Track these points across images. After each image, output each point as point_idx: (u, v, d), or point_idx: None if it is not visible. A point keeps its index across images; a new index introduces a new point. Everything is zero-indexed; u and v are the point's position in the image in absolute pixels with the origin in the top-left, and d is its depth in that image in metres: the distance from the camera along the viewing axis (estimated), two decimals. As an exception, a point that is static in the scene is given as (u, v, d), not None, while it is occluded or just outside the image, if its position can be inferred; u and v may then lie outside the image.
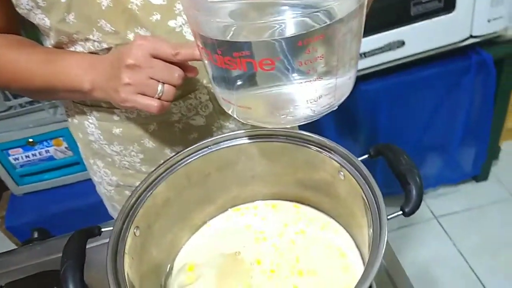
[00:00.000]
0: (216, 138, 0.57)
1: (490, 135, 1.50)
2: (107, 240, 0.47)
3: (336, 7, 0.35)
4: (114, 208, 0.81)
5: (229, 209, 0.65)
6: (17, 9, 0.56)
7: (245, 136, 0.57)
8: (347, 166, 0.50)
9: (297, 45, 0.35)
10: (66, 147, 1.49)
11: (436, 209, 1.65)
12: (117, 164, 0.72)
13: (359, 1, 0.37)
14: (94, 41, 0.57)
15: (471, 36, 1.23)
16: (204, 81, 0.63)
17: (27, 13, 0.56)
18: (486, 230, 1.56)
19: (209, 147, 0.57)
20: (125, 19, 0.55)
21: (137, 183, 0.72)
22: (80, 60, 0.57)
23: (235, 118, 0.47)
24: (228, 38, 0.36)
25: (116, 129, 0.66)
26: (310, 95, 0.40)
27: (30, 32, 0.64)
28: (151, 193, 0.53)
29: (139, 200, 0.52)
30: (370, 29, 1.17)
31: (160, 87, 0.51)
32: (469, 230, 1.57)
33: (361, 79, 1.27)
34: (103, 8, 0.54)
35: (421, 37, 1.21)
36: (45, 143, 1.47)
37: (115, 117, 0.65)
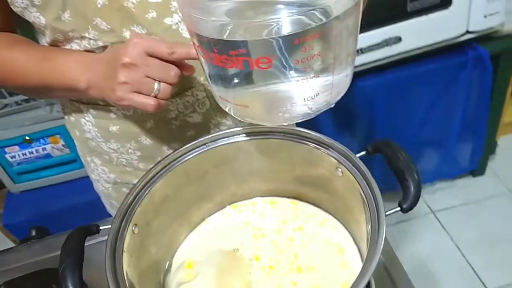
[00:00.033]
0: (214, 136, 0.57)
1: (487, 130, 1.51)
2: (105, 238, 0.47)
3: (332, 5, 0.35)
4: (112, 205, 0.81)
5: (228, 206, 0.65)
6: (12, 7, 0.56)
7: (243, 133, 0.57)
8: (345, 163, 0.50)
9: (293, 43, 0.35)
10: (63, 145, 1.49)
11: (434, 204, 1.66)
12: (115, 162, 0.72)
13: (355, -1, 0.37)
14: (90, 39, 0.57)
15: (468, 32, 1.24)
16: (201, 79, 0.63)
17: (22, 11, 0.56)
18: (483, 224, 1.56)
19: (207, 145, 0.57)
20: (121, 17, 0.55)
21: (135, 181, 0.72)
22: (76, 58, 0.57)
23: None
24: (224, 37, 0.36)
25: (113, 126, 0.66)
26: (307, 93, 0.40)
27: (26, 30, 0.64)
28: (149, 190, 0.53)
29: (137, 198, 0.52)
30: (367, 25, 1.17)
31: (156, 85, 0.51)
32: (466, 225, 1.58)
33: (358, 75, 1.28)
34: (99, 6, 0.54)
35: (417, 33, 1.21)
36: (41, 140, 1.47)
37: (112, 115, 0.65)
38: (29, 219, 1.48)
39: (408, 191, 0.46)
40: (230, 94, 0.43)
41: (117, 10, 0.55)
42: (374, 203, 0.45)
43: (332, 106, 0.44)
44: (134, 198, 0.52)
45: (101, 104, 0.65)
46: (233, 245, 0.59)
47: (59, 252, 0.45)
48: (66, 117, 0.73)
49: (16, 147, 1.47)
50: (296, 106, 0.41)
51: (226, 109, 0.46)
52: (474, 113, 1.44)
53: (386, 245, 0.60)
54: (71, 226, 0.54)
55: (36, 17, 0.56)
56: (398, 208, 0.46)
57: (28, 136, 1.44)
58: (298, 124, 0.58)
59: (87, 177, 0.83)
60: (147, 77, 0.50)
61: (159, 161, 0.55)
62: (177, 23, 0.58)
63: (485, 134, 1.52)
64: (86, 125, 0.68)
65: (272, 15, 0.34)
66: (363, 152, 0.54)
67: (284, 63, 0.36)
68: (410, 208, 0.46)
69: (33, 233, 0.84)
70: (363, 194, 0.47)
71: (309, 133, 0.54)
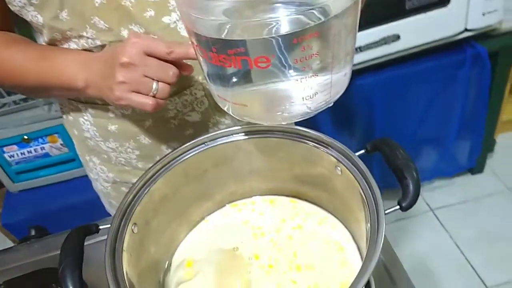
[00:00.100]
0: (213, 134, 0.57)
1: (485, 128, 1.51)
2: (105, 237, 0.47)
3: (331, 4, 0.34)
4: (111, 204, 0.81)
5: (227, 205, 0.65)
6: (9, 6, 0.56)
7: (242, 132, 0.57)
8: (344, 162, 0.50)
9: (292, 42, 0.35)
10: (61, 144, 1.48)
11: (432, 201, 1.67)
12: (113, 161, 0.71)
13: (354, -2, 0.37)
14: (88, 38, 0.57)
15: (466, 30, 1.24)
16: (200, 77, 0.63)
17: (19, 10, 0.56)
18: (482, 222, 1.57)
19: (206, 144, 0.57)
20: (119, 15, 0.55)
21: (134, 180, 0.72)
22: (74, 57, 0.57)
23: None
24: (222, 36, 0.36)
25: (111, 125, 0.66)
26: (306, 92, 0.39)
27: (23, 29, 0.63)
28: (149, 190, 0.53)
29: (136, 197, 0.52)
30: (365, 23, 1.17)
31: (154, 85, 0.51)
32: (465, 222, 1.58)
33: (357, 74, 1.28)
34: (97, 4, 0.54)
35: (416, 31, 1.21)
36: (40, 140, 1.47)
37: (110, 114, 0.65)
38: (27, 219, 1.48)
39: (407, 189, 0.47)
40: (228, 93, 0.43)
41: (115, 9, 0.55)
42: (373, 202, 0.45)
43: (331, 105, 0.44)
44: (134, 197, 0.52)
45: (100, 103, 0.64)
46: (233, 244, 0.59)
47: (58, 252, 0.45)
48: (64, 116, 0.72)
49: (15, 147, 1.47)
50: (295, 105, 0.41)
51: (225, 108, 0.46)
52: (473, 111, 1.44)
53: (385, 243, 0.60)
54: (70, 226, 0.54)
55: (33, 16, 0.56)
56: (398, 207, 0.46)
57: (26, 136, 1.44)
58: (297, 123, 0.58)
59: (86, 176, 0.82)
60: (145, 76, 0.50)
61: (158, 160, 0.55)
62: (175, 22, 0.57)
63: (484, 132, 1.52)
64: (84, 124, 0.68)
65: (270, 14, 0.34)
66: (362, 151, 0.54)
67: (283, 62, 0.36)
68: (410, 206, 0.46)
69: (32, 232, 0.84)
70: (362, 193, 0.47)
71: (308, 132, 0.54)
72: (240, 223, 0.63)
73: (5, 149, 1.47)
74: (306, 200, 0.63)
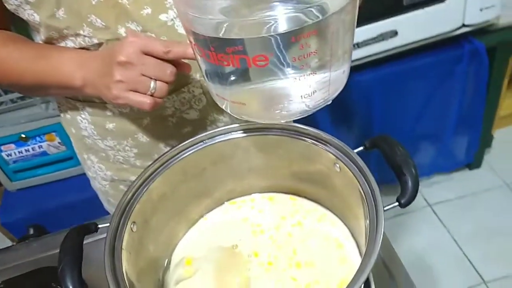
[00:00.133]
0: (211, 132, 0.57)
1: (483, 124, 1.51)
2: (104, 236, 0.47)
3: (328, 2, 0.34)
4: (109, 202, 0.81)
5: (226, 203, 0.65)
6: (6, 4, 0.55)
7: (240, 130, 0.57)
8: (343, 159, 0.50)
9: (290, 41, 0.35)
10: (59, 142, 1.48)
11: (430, 197, 1.67)
12: (111, 159, 0.71)
13: (352, -5, 0.36)
14: (85, 36, 0.57)
15: (464, 25, 1.24)
16: (197, 75, 0.63)
17: (15, 9, 0.56)
18: (479, 217, 1.57)
19: (204, 141, 0.57)
20: (116, 13, 0.55)
21: (132, 178, 0.72)
22: (72, 56, 0.57)
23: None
24: (220, 35, 0.36)
25: (109, 124, 0.66)
26: (304, 90, 0.39)
27: (20, 27, 0.63)
28: (147, 188, 0.53)
29: (135, 196, 0.52)
30: (363, 19, 1.17)
31: (152, 84, 0.51)
32: (463, 218, 1.59)
33: (354, 70, 1.28)
34: (93, 3, 0.54)
35: (413, 26, 1.21)
36: (37, 138, 1.46)
37: (108, 112, 0.65)
38: (26, 217, 1.48)
39: (406, 186, 0.47)
40: (227, 92, 0.43)
41: (112, 7, 0.54)
42: (372, 199, 0.45)
43: (329, 103, 0.44)
44: (132, 196, 0.52)
45: (97, 102, 0.64)
46: (232, 242, 0.59)
47: (57, 251, 0.45)
48: (62, 114, 0.72)
49: (12, 145, 1.46)
50: (293, 103, 0.41)
51: (223, 107, 0.46)
52: (470, 106, 1.44)
53: (384, 239, 0.60)
54: (68, 224, 0.54)
55: (30, 14, 0.56)
56: (396, 203, 0.46)
57: (24, 134, 1.44)
58: (295, 120, 0.58)
59: (84, 174, 0.82)
60: (143, 75, 0.50)
61: (157, 159, 0.55)
62: (172, 19, 0.57)
63: (481, 127, 1.52)
64: (82, 122, 0.68)
65: (268, 13, 0.34)
66: (361, 148, 0.54)
67: (281, 60, 0.36)
68: (408, 203, 0.46)
69: (31, 231, 0.84)
70: (361, 190, 0.47)
71: (306, 129, 0.54)
72: (239, 220, 0.63)
73: (2, 147, 1.46)
74: (305, 197, 0.64)
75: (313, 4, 0.34)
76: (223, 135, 0.57)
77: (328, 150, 0.52)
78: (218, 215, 0.64)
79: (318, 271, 0.54)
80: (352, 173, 0.49)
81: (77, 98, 0.66)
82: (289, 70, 0.37)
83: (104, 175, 0.75)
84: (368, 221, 0.44)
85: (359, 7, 0.40)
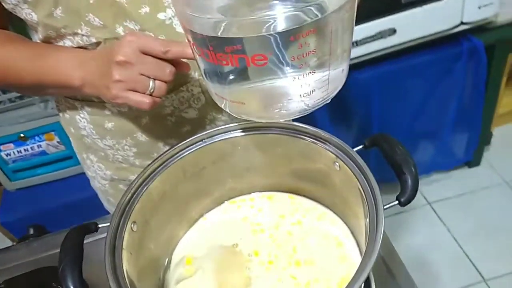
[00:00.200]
0: (211, 131, 0.57)
1: (482, 121, 1.51)
2: (104, 235, 0.47)
3: (327, 0, 0.34)
4: (109, 202, 0.81)
5: (225, 202, 0.65)
6: (3, 4, 0.55)
7: (240, 129, 0.57)
8: (343, 157, 0.50)
9: (289, 40, 0.35)
10: (58, 142, 1.48)
11: (430, 195, 1.67)
12: (111, 158, 0.71)
13: (351, -6, 0.36)
14: (83, 35, 0.57)
15: (462, 23, 1.24)
16: (196, 74, 0.63)
17: (13, 8, 0.55)
18: (479, 215, 1.58)
19: (204, 141, 0.57)
20: (114, 12, 0.55)
21: (132, 177, 0.72)
22: (70, 56, 0.56)
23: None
24: (219, 34, 0.36)
25: (108, 123, 0.66)
26: (304, 89, 0.39)
27: (18, 26, 0.63)
28: (147, 188, 0.53)
29: (135, 195, 0.52)
30: (362, 17, 1.17)
31: (151, 83, 0.51)
32: (462, 216, 1.59)
33: (353, 68, 1.27)
34: (91, 1, 0.53)
35: (412, 24, 1.21)
36: (36, 137, 1.46)
37: (107, 111, 0.65)
38: (26, 217, 1.48)
39: (406, 184, 0.47)
40: (226, 91, 0.43)
41: (110, 5, 0.54)
42: (372, 197, 0.45)
43: (328, 101, 0.44)
44: (132, 195, 0.52)
45: (96, 101, 0.64)
46: (232, 241, 0.59)
47: (58, 250, 0.45)
48: (60, 114, 0.72)
49: (11, 145, 1.46)
50: (293, 102, 0.41)
51: (222, 106, 0.46)
52: (469, 104, 1.44)
53: (384, 237, 0.61)
54: (68, 223, 0.54)
55: (27, 13, 0.55)
56: (396, 202, 0.46)
57: (23, 134, 1.44)
58: (294, 119, 0.58)
59: (84, 174, 0.82)
60: (142, 75, 0.50)
61: (156, 158, 0.55)
62: (170, 18, 0.57)
63: (480, 125, 1.53)
64: (81, 122, 0.68)
65: (267, 12, 0.34)
66: (360, 146, 0.54)
67: (280, 59, 0.36)
68: (408, 201, 0.46)
69: (31, 231, 0.84)
70: (361, 188, 0.47)
71: (306, 128, 0.54)
72: (239, 219, 0.63)
73: (1, 147, 1.46)
74: (304, 195, 0.64)
75: (312, 3, 0.34)
76: (222, 134, 0.57)
77: (328, 148, 0.52)
78: (218, 215, 0.64)
79: (318, 270, 0.54)
80: (352, 171, 0.49)
81: (75, 97, 0.66)
82: (288, 69, 0.37)
83: (103, 175, 0.75)
84: (368, 220, 0.44)
85: (358, 6, 0.40)
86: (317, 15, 0.34)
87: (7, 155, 1.48)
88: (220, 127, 0.57)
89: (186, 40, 0.43)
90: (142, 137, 0.67)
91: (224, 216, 0.64)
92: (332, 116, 1.38)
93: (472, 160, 1.69)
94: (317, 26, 0.35)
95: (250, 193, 0.66)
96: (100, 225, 0.50)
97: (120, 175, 0.73)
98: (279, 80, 0.39)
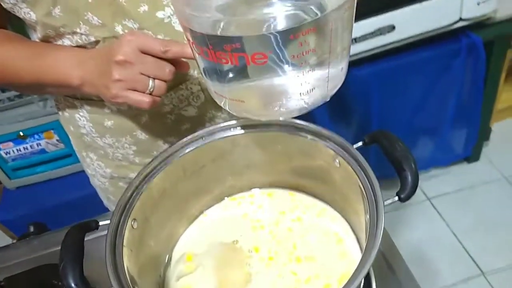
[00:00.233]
0: (210, 129, 0.57)
1: (481, 117, 1.52)
2: (104, 232, 0.47)
3: (327, -2, 0.34)
4: (109, 200, 0.81)
5: (226, 199, 0.65)
6: (1, 3, 0.55)
7: (239, 126, 0.57)
8: (343, 154, 0.51)
9: (288, 38, 0.34)
10: (57, 140, 1.48)
11: (429, 190, 1.68)
12: (110, 156, 0.71)
13: (350, -8, 0.36)
14: (82, 34, 0.57)
15: (461, 19, 1.23)
16: (195, 72, 0.63)
17: (12, 7, 0.55)
18: (478, 210, 1.58)
19: (204, 138, 0.57)
20: (112, 11, 0.55)
21: (131, 175, 0.72)
22: (69, 55, 0.56)
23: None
24: (218, 33, 0.36)
25: (107, 121, 0.66)
26: (303, 87, 0.39)
27: (17, 26, 0.63)
28: (147, 185, 0.53)
29: (135, 193, 0.52)
30: (361, 14, 1.16)
31: (151, 82, 0.51)
32: (461, 211, 1.59)
33: (352, 65, 1.27)
34: (90, 0, 0.53)
35: (411, 21, 1.21)
36: (36, 136, 1.46)
37: (106, 110, 0.65)
38: (26, 215, 1.48)
39: (406, 181, 0.47)
40: (225, 89, 0.43)
41: (108, 4, 0.54)
42: (372, 194, 0.45)
43: (328, 100, 0.44)
44: (132, 193, 0.52)
45: (95, 99, 0.64)
46: (232, 237, 0.60)
47: (58, 248, 0.45)
48: (60, 112, 0.72)
49: (11, 143, 1.46)
50: (292, 100, 0.41)
51: (222, 104, 0.46)
52: (468, 100, 1.44)
53: (384, 233, 0.61)
54: (68, 221, 0.54)
55: (26, 13, 0.55)
56: (396, 198, 0.47)
57: (22, 132, 1.44)
58: (294, 117, 0.58)
59: (83, 171, 0.82)
60: (142, 74, 0.50)
61: (156, 156, 0.55)
62: (169, 17, 0.57)
63: (479, 120, 1.53)
64: (80, 120, 0.68)
65: (266, 10, 0.34)
66: (360, 143, 0.54)
67: (280, 58, 0.36)
68: (408, 197, 0.46)
69: (31, 229, 0.84)
70: (361, 185, 0.47)
71: (306, 125, 0.54)
72: (239, 216, 0.63)
73: (1, 146, 1.46)
74: (304, 192, 0.64)
75: (312, 1, 0.34)
76: (222, 132, 0.57)
77: (328, 145, 0.52)
78: (218, 211, 0.64)
79: (318, 266, 0.54)
80: (352, 168, 0.49)
81: (75, 96, 0.66)
82: (287, 68, 0.37)
83: (103, 173, 0.75)
84: (368, 216, 0.44)
85: (357, 3, 0.40)
86: (316, 14, 0.34)
87: (6, 153, 1.48)
88: (219, 125, 0.57)
89: (185, 39, 0.43)
90: (141, 135, 0.67)
91: (224, 213, 0.64)
92: (332, 113, 1.39)
93: (471, 155, 1.70)
94: (317, 25, 0.35)
95: (250, 189, 0.66)
96: (100, 223, 0.50)
97: (120, 173, 0.74)
98: (279, 78, 0.39)
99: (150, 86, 0.51)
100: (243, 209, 0.64)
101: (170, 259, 0.60)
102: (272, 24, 0.34)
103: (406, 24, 1.21)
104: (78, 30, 0.56)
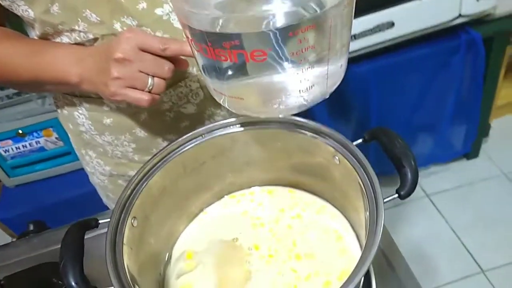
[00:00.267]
0: (210, 126, 0.57)
1: (480, 113, 1.52)
2: (104, 230, 0.47)
3: (326, -5, 0.34)
4: (108, 197, 0.81)
5: (225, 196, 0.65)
6: (-1, 1, 0.55)
7: (239, 124, 0.57)
8: (342, 151, 0.50)
9: (288, 35, 0.34)
10: (56, 138, 1.48)
11: (428, 187, 1.68)
12: (110, 154, 0.71)
13: (350, -12, 0.36)
14: (80, 31, 0.56)
15: (460, 16, 1.23)
16: (194, 69, 0.63)
17: (9, 5, 0.55)
18: (477, 207, 1.58)
19: (203, 136, 0.57)
20: (111, 8, 0.55)
21: (131, 173, 0.72)
22: (67, 52, 0.56)
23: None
24: (217, 30, 0.36)
25: (106, 119, 0.66)
26: (303, 84, 0.39)
27: (14, 23, 0.63)
28: (147, 183, 0.53)
29: (135, 191, 0.52)
30: (360, 10, 1.16)
31: (150, 80, 0.51)
32: (460, 207, 1.59)
33: (351, 62, 1.27)
34: None
35: (410, 17, 1.20)
36: (35, 134, 1.46)
37: (105, 107, 0.65)
38: (25, 213, 1.48)
39: (406, 178, 0.47)
40: (224, 87, 0.43)
41: (107, 1, 0.54)
42: (371, 191, 0.45)
43: (327, 97, 0.44)
44: (132, 191, 0.52)
45: (94, 97, 0.64)
46: (232, 235, 0.60)
47: (58, 246, 0.45)
48: (59, 110, 0.72)
49: (9, 141, 1.46)
50: (291, 97, 0.41)
51: (221, 102, 0.46)
52: (468, 96, 1.44)
53: (384, 231, 0.61)
54: (68, 219, 0.54)
55: (24, 10, 0.55)
56: (396, 195, 0.47)
57: (21, 130, 1.43)
58: (293, 114, 0.58)
59: (82, 169, 0.82)
60: (141, 72, 0.50)
61: (156, 154, 0.55)
62: (168, 14, 0.57)
63: (479, 117, 1.53)
64: (79, 118, 0.68)
65: (265, 7, 0.34)
66: (360, 140, 0.54)
67: (280, 55, 0.36)
68: (408, 194, 0.46)
69: (31, 227, 0.84)
70: (360, 182, 0.47)
71: (305, 122, 0.54)
72: (239, 214, 0.63)
73: (0, 143, 1.46)
74: (304, 189, 0.64)
75: (311, -2, 0.34)
76: (222, 129, 0.57)
77: (327, 142, 0.52)
78: (218, 209, 0.64)
79: (318, 263, 0.54)
80: (352, 165, 0.49)
81: (73, 93, 0.66)
82: (287, 65, 0.37)
83: (102, 170, 0.75)
84: (368, 213, 0.44)
85: (356, 0, 0.40)
86: (316, 11, 0.34)
87: (5, 151, 1.48)
88: (219, 122, 0.57)
89: (184, 36, 0.42)
90: (141, 132, 0.67)
91: (224, 211, 0.64)
92: (331, 110, 1.38)
93: (470, 152, 1.70)
94: (316, 22, 0.35)
95: (250, 187, 0.66)
96: (100, 221, 0.50)
97: (119, 171, 0.74)
98: (278, 75, 0.39)
99: (149, 84, 0.51)
100: (243, 206, 0.64)
101: (170, 257, 0.60)
102: (271, 21, 0.34)
103: (405, 20, 1.20)
104: (76, 28, 0.56)
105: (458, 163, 1.73)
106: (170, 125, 0.67)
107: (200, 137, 0.57)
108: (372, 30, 1.20)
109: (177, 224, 0.62)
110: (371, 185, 0.46)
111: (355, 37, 1.20)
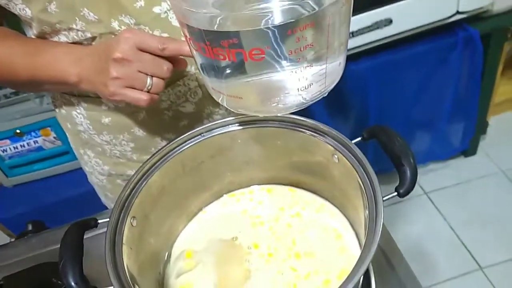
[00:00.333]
0: (209, 125, 0.57)
1: (478, 110, 1.52)
2: (103, 230, 0.47)
3: (324, -7, 0.34)
4: (107, 197, 0.81)
5: (225, 195, 0.65)
6: (-4, 0, 0.55)
7: (238, 122, 0.57)
8: (341, 150, 0.50)
9: (286, 33, 0.34)
10: (54, 137, 1.48)
11: (426, 185, 1.68)
12: (108, 154, 0.71)
13: (348, -14, 0.36)
14: (78, 30, 0.56)
15: (458, 12, 1.23)
16: (192, 68, 0.63)
17: (7, 4, 0.55)
18: (475, 204, 1.59)
19: (202, 135, 0.57)
20: (109, 6, 0.54)
21: (129, 172, 0.72)
22: (66, 52, 0.56)
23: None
24: (215, 28, 0.36)
25: (105, 118, 0.65)
26: (301, 83, 0.39)
27: (12, 22, 0.62)
28: (146, 182, 0.53)
29: (134, 190, 0.52)
30: (358, 8, 1.16)
31: (149, 80, 0.51)
32: (458, 205, 1.60)
33: (350, 59, 1.27)
34: None
35: (408, 14, 1.20)
36: (33, 133, 1.46)
37: (104, 107, 0.64)
38: (24, 213, 1.48)
39: (405, 176, 0.47)
40: (223, 86, 0.43)
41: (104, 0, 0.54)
42: (371, 189, 0.45)
43: (326, 95, 0.44)
44: (131, 190, 0.52)
45: (92, 96, 0.64)
46: (232, 234, 0.60)
47: (57, 246, 0.45)
48: (57, 110, 0.72)
49: (7, 141, 1.46)
50: (290, 96, 0.41)
51: (219, 101, 0.46)
52: (465, 93, 1.44)
53: (383, 229, 0.61)
54: (66, 219, 0.54)
55: (21, 9, 0.55)
56: (395, 193, 0.47)
57: (19, 129, 1.43)
58: (292, 112, 0.58)
59: (81, 169, 0.82)
60: (140, 72, 0.50)
61: (155, 153, 0.54)
62: (166, 12, 0.57)
63: (476, 114, 1.53)
64: (77, 117, 0.68)
65: (263, 5, 0.34)
66: (359, 138, 0.54)
67: (278, 53, 0.36)
68: (407, 192, 0.46)
69: (30, 227, 0.84)
70: (360, 180, 0.47)
71: (304, 121, 0.54)
72: (239, 213, 0.63)
73: (-3, 143, 1.46)
74: (304, 188, 0.64)
75: (309, -4, 0.34)
76: (220, 128, 0.57)
77: (326, 141, 0.52)
78: (217, 208, 0.64)
79: (317, 262, 0.54)
80: (351, 163, 0.49)
81: (72, 93, 0.65)
82: (285, 63, 0.37)
83: (101, 170, 0.75)
84: (367, 212, 0.44)
85: (354, -1, 0.40)
86: (314, 8, 0.34)
87: (3, 151, 1.48)
88: (218, 121, 0.57)
89: (183, 35, 0.42)
90: (139, 132, 0.67)
91: (223, 210, 0.64)
92: (330, 108, 1.38)
93: (468, 149, 1.70)
94: (314, 20, 0.35)
95: (249, 186, 0.66)
96: (99, 221, 0.50)
97: (117, 170, 0.73)
98: (277, 74, 0.39)
99: (148, 83, 0.51)
100: (243, 205, 0.64)
101: (169, 256, 0.60)
102: (269, 19, 0.34)
103: (403, 17, 1.20)
104: (74, 26, 0.56)
105: (456, 161, 1.73)
106: (169, 124, 0.67)
107: (199, 136, 0.57)
108: (370, 28, 1.20)
109: (177, 223, 0.62)
110: (370, 183, 0.46)
111: (353, 34, 1.20)
